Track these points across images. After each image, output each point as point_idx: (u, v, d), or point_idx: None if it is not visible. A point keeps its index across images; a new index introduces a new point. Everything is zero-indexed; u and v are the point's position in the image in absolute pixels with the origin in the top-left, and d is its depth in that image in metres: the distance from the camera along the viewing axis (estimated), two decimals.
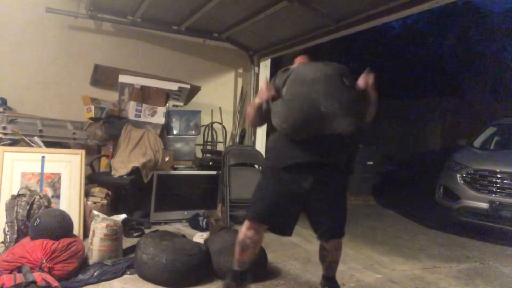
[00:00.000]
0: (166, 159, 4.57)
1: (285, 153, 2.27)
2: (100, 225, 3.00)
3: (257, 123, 2.53)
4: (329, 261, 2.55)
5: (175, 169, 4.75)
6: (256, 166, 4.85)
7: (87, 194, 3.83)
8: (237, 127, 6.16)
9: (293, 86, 2.20)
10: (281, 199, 2.29)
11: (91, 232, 3.07)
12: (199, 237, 3.57)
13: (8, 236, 2.96)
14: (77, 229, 3.42)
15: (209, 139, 5.68)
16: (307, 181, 2.24)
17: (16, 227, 2.95)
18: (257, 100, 2.31)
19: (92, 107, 4.74)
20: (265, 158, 2.55)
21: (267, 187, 2.33)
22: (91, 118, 4.55)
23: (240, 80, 6.26)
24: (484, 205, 4.73)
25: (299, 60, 2.54)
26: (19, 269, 2.46)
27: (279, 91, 2.24)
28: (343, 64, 2.45)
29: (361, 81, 2.20)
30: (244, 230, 2.32)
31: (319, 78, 2.16)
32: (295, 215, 2.38)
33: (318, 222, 2.38)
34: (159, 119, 4.71)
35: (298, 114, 2.14)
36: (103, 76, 5.02)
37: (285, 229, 2.40)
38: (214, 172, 4.77)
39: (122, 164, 4.13)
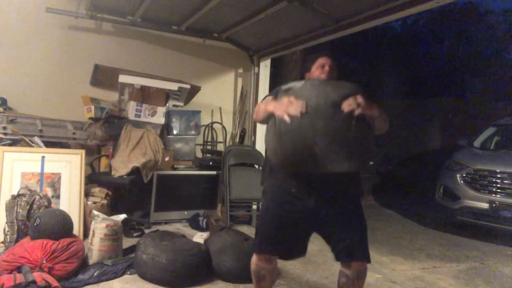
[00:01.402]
0: (166, 159, 4.57)
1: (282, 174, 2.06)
2: (100, 225, 3.01)
3: (261, 123, 2.22)
4: None
5: (175, 169, 4.75)
6: (256, 166, 4.85)
7: (87, 194, 3.83)
8: (237, 127, 6.16)
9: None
10: (285, 224, 2.05)
11: (91, 232, 3.07)
12: (199, 237, 3.58)
13: (8, 236, 2.96)
14: (77, 229, 3.42)
15: (209, 139, 5.68)
16: (311, 196, 2.02)
17: (16, 227, 2.95)
18: (271, 109, 1.92)
19: (92, 107, 4.74)
20: (262, 175, 2.28)
21: (268, 213, 2.13)
22: (91, 118, 4.55)
23: (240, 80, 6.26)
24: (484, 205, 4.74)
25: (319, 64, 2.18)
26: (19, 269, 2.46)
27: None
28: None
29: (344, 106, 1.79)
30: (255, 261, 2.14)
31: (321, 109, 1.82)
32: (306, 236, 2.15)
33: (335, 237, 2.07)
34: (159, 119, 4.71)
35: (289, 152, 1.87)
36: (103, 76, 5.02)
37: (296, 253, 2.18)
38: (214, 172, 4.77)
39: (122, 164, 4.13)
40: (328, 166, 1.85)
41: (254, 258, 2.14)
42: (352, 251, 2.05)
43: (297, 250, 2.16)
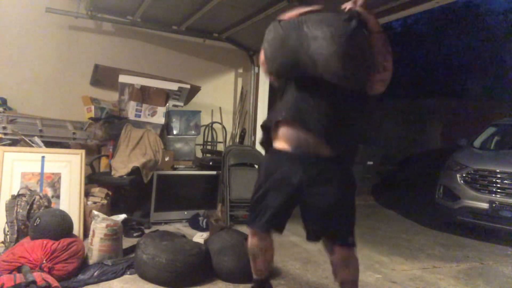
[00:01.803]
0: (166, 159, 4.57)
1: (278, 142, 2.03)
2: (100, 225, 3.00)
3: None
4: (340, 280, 2.08)
5: (175, 169, 4.76)
6: (256, 166, 4.85)
7: (87, 194, 3.83)
8: (237, 127, 6.16)
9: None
10: (272, 198, 2.03)
11: (91, 232, 3.07)
12: (199, 237, 3.57)
13: (8, 236, 2.96)
14: (77, 229, 3.42)
15: (209, 139, 5.68)
16: (297, 175, 1.95)
17: (16, 227, 2.94)
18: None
19: (92, 107, 4.74)
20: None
21: (258, 188, 2.10)
22: (91, 118, 4.55)
23: (240, 80, 6.26)
24: (484, 205, 4.74)
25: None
26: (19, 269, 2.46)
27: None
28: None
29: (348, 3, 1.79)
30: (249, 238, 2.17)
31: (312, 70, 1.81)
32: (286, 212, 2.09)
33: (313, 218, 2.03)
34: (159, 119, 4.71)
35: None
36: (103, 76, 5.02)
37: (277, 226, 2.13)
38: (214, 172, 4.77)
39: (122, 164, 4.13)
40: (316, 145, 1.86)
41: (249, 235, 2.17)
42: (335, 235, 1.99)
43: (278, 223, 2.10)
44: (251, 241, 2.15)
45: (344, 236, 1.98)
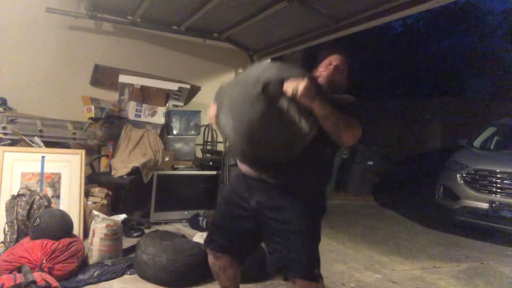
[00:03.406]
0: (166, 159, 4.57)
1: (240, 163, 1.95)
2: (100, 225, 3.00)
3: None
4: None
5: (175, 169, 4.75)
6: None
7: (87, 194, 3.83)
8: None
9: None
10: (229, 223, 1.95)
11: (91, 232, 3.07)
12: (199, 237, 3.57)
13: (8, 236, 2.96)
14: (77, 229, 3.42)
15: (209, 139, 5.67)
16: (253, 198, 1.86)
17: (16, 227, 2.94)
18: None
19: (92, 107, 4.73)
20: None
21: (218, 209, 2.03)
22: (91, 118, 4.55)
23: None
24: (484, 205, 4.74)
25: (326, 62, 2.00)
26: (19, 269, 2.46)
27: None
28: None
29: (286, 86, 1.56)
30: (208, 256, 2.09)
31: (238, 105, 1.62)
32: (251, 238, 1.97)
33: (271, 247, 1.88)
34: (159, 119, 4.71)
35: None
36: (103, 76, 5.02)
37: (243, 254, 2.03)
38: (214, 172, 4.76)
39: (122, 164, 4.13)
40: (259, 170, 1.77)
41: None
42: (292, 264, 1.82)
43: (243, 251, 2.02)
44: (209, 260, 2.07)
45: (306, 269, 1.81)
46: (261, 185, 1.83)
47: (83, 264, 2.84)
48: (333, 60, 2.00)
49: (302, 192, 1.82)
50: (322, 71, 1.98)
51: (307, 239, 1.83)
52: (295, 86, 1.54)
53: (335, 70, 1.98)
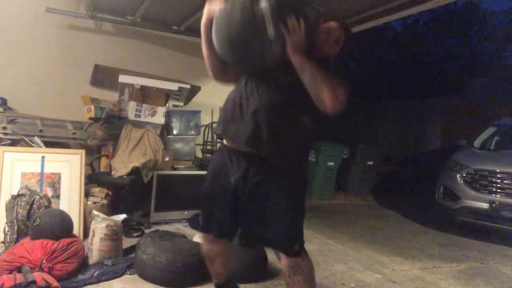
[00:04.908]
0: (166, 159, 4.57)
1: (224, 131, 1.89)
2: (100, 225, 3.00)
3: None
4: None
5: (175, 169, 4.75)
6: None
7: (87, 194, 3.83)
8: None
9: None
10: (216, 202, 1.92)
11: (91, 232, 3.07)
12: (199, 237, 3.57)
13: (8, 236, 2.96)
14: (77, 229, 3.42)
15: (209, 139, 5.68)
16: (237, 173, 1.82)
17: (16, 227, 2.94)
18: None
19: (92, 107, 4.74)
20: None
21: (205, 192, 1.99)
22: (91, 118, 4.55)
23: None
24: (484, 205, 4.74)
25: (329, 30, 1.86)
26: (19, 269, 2.46)
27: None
28: None
29: (289, 21, 1.56)
30: (202, 241, 2.09)
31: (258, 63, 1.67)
32: (233, 214, 1.93)
33: (245, 225, 1.89)
34: (159, 119, 4.71)
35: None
36: (103, 76, 5.02)
37: (228, 233, 1.99)
38: None
39: (122, 164, 4.13)
40: (241, 141, 1.73)
41: (202, 239, 2.09)
42: (277, 240, 1.81)
43: (228, 229, 1.97)
44: (205, 246, 2.07)
45: (285, 244, 1.80)
46: (244, 158, 1.80)
47: (83, 264, 2.84)
48: (334, 30, 1.85)
49: (283, 165, 1.77)
50: (319, 38, 1.82)
51: (289, 215, 1.80)
52: (295, 28, 1.55)
53: (333, 42, 1.84)
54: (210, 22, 1.73)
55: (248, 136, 1.73)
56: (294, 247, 1.79)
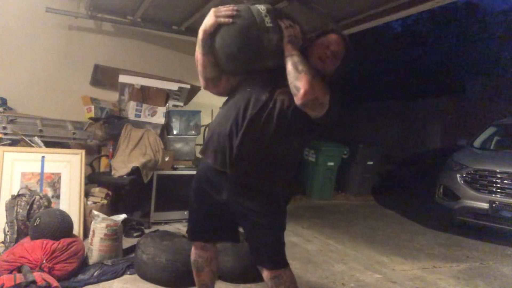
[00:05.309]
0: (166, 159, 4.56)
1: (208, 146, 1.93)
2: (100, 225, 3.01)
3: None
4: None
5: (175, 169, 4.75)
6: None
7: (87, 194, 3.83)
8: None
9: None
10: (205, 212, 1.97)
11: (91, 232, 3.07)
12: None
13: (8, 236, 2.96)
14: (77, 229, 3.42)
15: None
16: (223, 190, 1.86)
17: (16, 227, 2.95)
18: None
19: (92, 107, 4.73)
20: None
21: (192, 200, 2.04)
22: (91, 118, 4.55)
23: None
24: (484, 205, 4.74)
25: (326, 42, 1.82)
26: (19, 269, 2.46)
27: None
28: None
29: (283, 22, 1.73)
30: (192, 250, 2.09)
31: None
32: (230, 223, 1.98)
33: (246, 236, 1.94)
34: (159, 119, 4.71)
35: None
36: (103, 76, 5.02)
37: (226, 237, 2.06)
38: None
39: (122, 164, 4.13)
40: (235, 168, 1.75)
41: (192, 247, 2.10)
42: (258, 255, 1.85)
43: (226, 235, 2.04)
44: (195, 254, 2.08)
45: (261, 260, 1.84)
46: (227, 179, 1.81)
47: (83, 264, 2.84)
48: (332, 43, 1.79)
49: (265, 189, 1.79)
50: (316, 52, 1.80)
51: (270, 232, 1.81)
52: (291, 24, 1.72)
53: (330, 56, 1.79)
54: (214, 31, 1.83)
55: (221, 162, 1.80)
56: (272, 264, 1.81)
